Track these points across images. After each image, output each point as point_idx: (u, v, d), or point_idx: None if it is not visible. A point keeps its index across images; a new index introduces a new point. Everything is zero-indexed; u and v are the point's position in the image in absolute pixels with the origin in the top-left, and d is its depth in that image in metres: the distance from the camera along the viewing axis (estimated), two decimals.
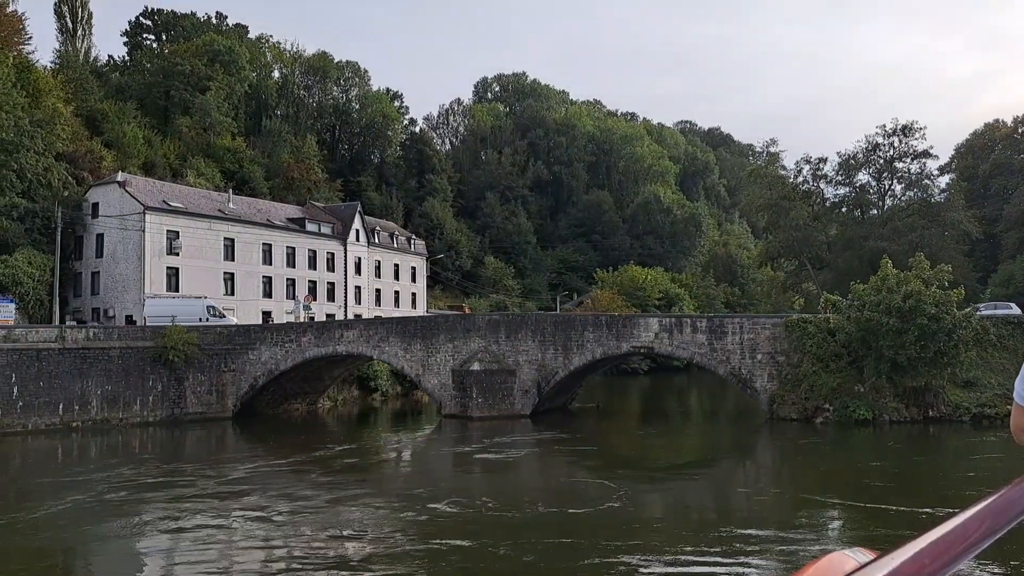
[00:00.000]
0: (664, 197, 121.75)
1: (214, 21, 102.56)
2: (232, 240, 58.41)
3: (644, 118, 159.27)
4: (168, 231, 54.01)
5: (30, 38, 63.58)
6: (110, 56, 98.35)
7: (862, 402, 38.10)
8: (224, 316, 50.65)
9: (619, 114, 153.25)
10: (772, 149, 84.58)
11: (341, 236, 67.88)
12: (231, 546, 18.43)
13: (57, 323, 46.73)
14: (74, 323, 50.68)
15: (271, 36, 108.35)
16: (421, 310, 74.21)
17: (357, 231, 69.80)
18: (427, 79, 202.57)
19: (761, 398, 40.89)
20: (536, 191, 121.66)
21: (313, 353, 45.61)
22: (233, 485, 26.56)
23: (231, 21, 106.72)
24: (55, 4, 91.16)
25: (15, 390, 39.33)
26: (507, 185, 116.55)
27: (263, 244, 60.78)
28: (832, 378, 38.89)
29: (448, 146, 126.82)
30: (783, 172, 68.51)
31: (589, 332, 43.16)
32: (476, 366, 42.91)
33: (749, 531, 19.05)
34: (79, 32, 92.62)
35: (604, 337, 42.98)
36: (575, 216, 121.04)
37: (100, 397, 41.85)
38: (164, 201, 55.14)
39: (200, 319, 48.30)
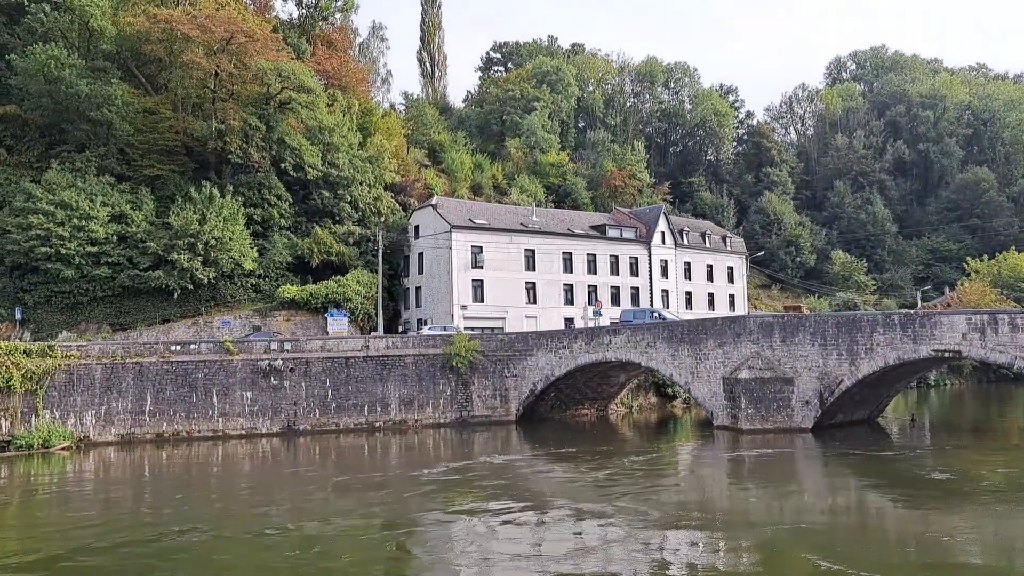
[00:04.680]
0: None
1: (546, 44, 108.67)
2: (533, 251, 61.05)
3: None
4: (472, 246, 58.20)
5: (373, 85, 72.89)
6: (468, 91, 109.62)
7: None
8: None
9: (1009, 77, 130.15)
10: None
11: (645, 240, 67.11)
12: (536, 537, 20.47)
13: (381, 333, 52.77)
14: (404, 332, 57.12)
15: (599, 50, 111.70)
16: (741, 311, 70.23)
17: (662, 233, 68.45)
18: (769, 68, 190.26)
19: None
20: (897, 174, 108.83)
21: (584, 359, 45.66)
22: (510, 485, 28.97)
23: (568, 41, 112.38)
24: (417, 52, 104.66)
25: (329, 393, 45.42)
26: (860, 171, 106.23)
27: (563, 253, 62.55)
28: None
29: (792, 135, 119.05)
30: None
31: (879, 334, 37.22)
32: (745, 373, 39.43)
33: None
34: (436, 74, 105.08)
35: (897, 339, 36.73)
36: (947, 199, 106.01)
37: (398, 400, 46.48)
38: (469, 219, 59.57)
39: None
